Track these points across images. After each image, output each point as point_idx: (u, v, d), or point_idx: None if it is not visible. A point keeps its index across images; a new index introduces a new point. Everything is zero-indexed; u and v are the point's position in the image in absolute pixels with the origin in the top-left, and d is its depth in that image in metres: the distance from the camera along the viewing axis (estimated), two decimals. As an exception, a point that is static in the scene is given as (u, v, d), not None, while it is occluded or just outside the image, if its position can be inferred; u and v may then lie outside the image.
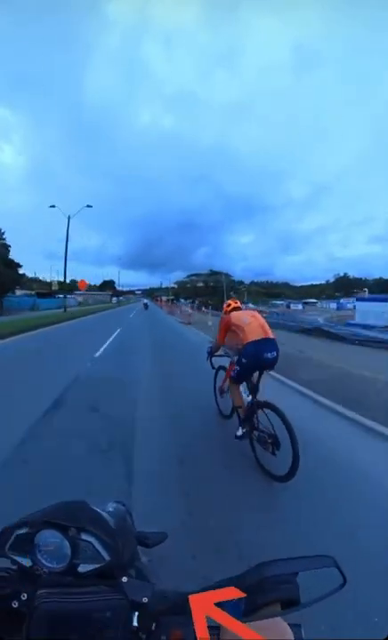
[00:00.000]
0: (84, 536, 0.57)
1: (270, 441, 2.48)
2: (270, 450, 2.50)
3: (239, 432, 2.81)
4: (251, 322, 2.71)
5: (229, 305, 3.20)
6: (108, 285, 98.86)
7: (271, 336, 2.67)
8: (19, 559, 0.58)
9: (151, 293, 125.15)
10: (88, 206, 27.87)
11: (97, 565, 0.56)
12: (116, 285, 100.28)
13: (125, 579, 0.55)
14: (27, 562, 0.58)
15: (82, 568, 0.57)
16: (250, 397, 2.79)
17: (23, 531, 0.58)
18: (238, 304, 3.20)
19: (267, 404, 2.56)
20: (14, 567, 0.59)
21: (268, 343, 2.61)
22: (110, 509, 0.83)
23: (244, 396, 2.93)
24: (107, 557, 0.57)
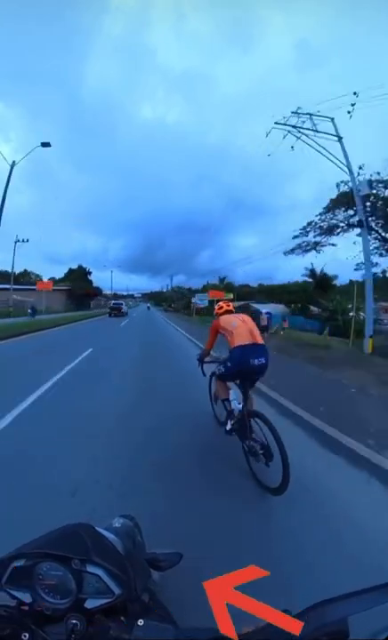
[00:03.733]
0: (90, 568, 0.51)
1: (261, 452, 2.35)
2: (263, 461, 2.37)
3: (228, 425, 2.76)
4: (239, 326, 2.59)
5: (220, 307, 3.07)
6: (79, 279, 49.75)
7: (260, 341, 2.55)
8: (17, 594, 0.52)
9: (152, 297, 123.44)
10: (43, 145, 14.29)
11: (107, 600, 0.50)
12: (90, 277, 53.77)
13: (141, 621, 0.48)
14: (26, 597, 0.51)
15: (89, 603, 0.51)
16: (241, 406, 2.66)
17: (21, 563, 0.52)
18: (231, 307, 3.07)
19: (257, 414, 2.44)
20: (12, 603, 0.53)
21: (256, 349, 2.48)
22: (117, 525, 0.81)
23: (234, 403, 2.80)
24: (117, 591, 0.51)
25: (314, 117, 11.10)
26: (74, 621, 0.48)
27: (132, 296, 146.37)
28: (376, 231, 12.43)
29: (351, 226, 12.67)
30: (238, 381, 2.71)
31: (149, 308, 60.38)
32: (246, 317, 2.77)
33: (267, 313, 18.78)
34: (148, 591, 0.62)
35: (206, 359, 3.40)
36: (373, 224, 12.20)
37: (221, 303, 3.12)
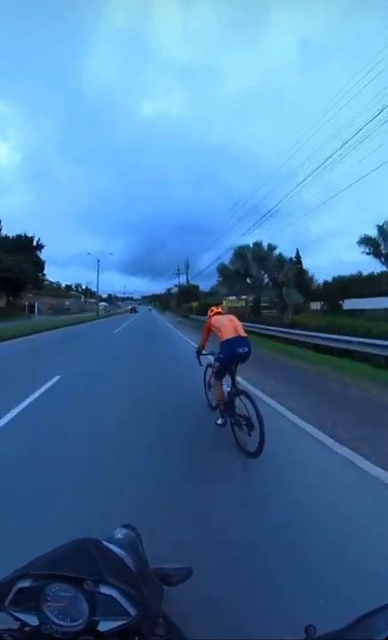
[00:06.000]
0: (103, 589, 0.49)
1: (244, 423, 2.98)
2: (245, 431, 3.00)
3: (220, 421, 3.43)
4: (226, 324, 3.29)
5: (212, 310, 3.78)
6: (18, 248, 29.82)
7: (243, 335, 3.24)
8: (22, 616, 0.50)
9: (154, 299, 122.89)
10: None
11: (122, 622, 0.48)
12: (40, 253, 35.11)
13: None
14: (32, 619, 0.49)
15: (103, 626, 0.48)
16: (229, 388, 3.32)
17: (27, 584, 0.50)
18: (220, 309, 3.77)
19: (242, 392, 3.09)
20: (15, 626, 0.51)
21: (240, 340, 3.17)
22: (120, 536, 0.79)
23: (225, 387, 3.47)
24: (133, 612, 0.48)
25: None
26: None
27: (131, 299, 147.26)
28: None
29: None
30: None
31: (150, 310, 70.32)
32: (233, 317, 3.46)
33: None
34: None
35: (203, 352, 4.09)
36: None
37: (212, 307, 3.84)
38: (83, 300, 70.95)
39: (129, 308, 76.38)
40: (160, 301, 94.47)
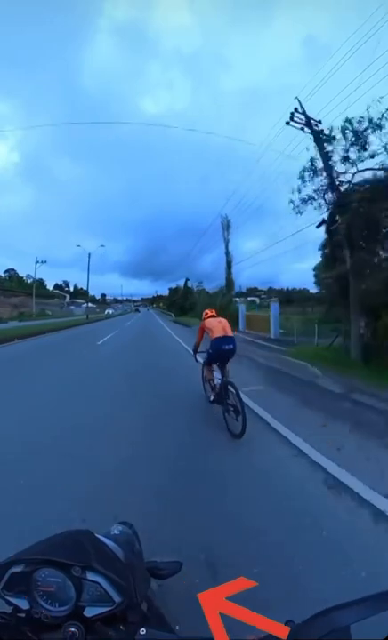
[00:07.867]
0: (90, 575, 0.51)
1: (232, 409, 3.52)
2: (233, 417, 3.53)
3: (211, 397, 4.02)
4: (216, 325, 3.87)
5: (206, 314, 4.31)
6: None
7: (230, 334, 3.82)
8: (14, 600, 0.52)
9: (155, 301, 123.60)
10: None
11: (107, 608, 0.50)
12: None
13: (143, 630, 0.49)
14: (23, 604, 0.52)
15: (89, 612, 0.51)
16: (221, 380, 3.87)
17: (19, 569, 0.52)
18: (214, 312, 4.32)
19: (230, 383, 3.63)
20: (8, 611, 0.54)
21: (227, 339, 3.76)
22: (116, 532, 0.82)
23: (217, 379, 4.02)
24: (118, 599, 0.51)
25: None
26: (72, 629, 0.48)
27: (129, 300, 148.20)
28: None
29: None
30: (218, 364, 3.96)
31: (148, 310, 79.17)
32: (223, 319, 4.03)
33: None
34: (146, 599, 0.62)
35: (198, 350, 4.64)
36: None
37: (206, 310, 4.38)
38: (67, 299, 62.97)
39: (134, 307, 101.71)
40: (168, 302, 75.32)
